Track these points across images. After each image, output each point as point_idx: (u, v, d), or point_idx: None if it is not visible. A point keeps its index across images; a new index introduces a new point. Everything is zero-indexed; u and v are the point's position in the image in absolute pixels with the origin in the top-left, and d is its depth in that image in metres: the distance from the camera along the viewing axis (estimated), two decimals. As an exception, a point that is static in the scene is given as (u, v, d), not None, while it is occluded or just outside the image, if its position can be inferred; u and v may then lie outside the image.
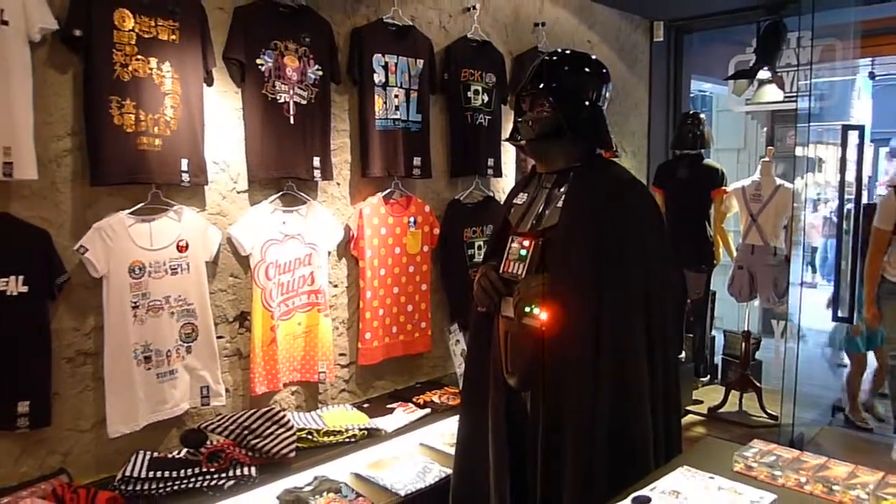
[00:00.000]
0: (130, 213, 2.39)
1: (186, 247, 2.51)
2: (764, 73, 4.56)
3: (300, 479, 2.63)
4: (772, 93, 4.69)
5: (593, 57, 2.22)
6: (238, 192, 2.74)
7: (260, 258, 2.73)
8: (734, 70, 5.18)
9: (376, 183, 3.16)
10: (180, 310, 2.50)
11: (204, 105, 2.53)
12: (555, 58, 2.16)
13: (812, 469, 1.72)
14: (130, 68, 2.31)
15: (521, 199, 2.23)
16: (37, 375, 2.19)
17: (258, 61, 2.67)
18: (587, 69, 2.16)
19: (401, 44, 3.16)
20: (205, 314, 2.56)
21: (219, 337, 2.67)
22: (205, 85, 2.55)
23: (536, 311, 2.00)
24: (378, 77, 3.06)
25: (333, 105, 2.97)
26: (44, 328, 2.21)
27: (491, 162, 3.61)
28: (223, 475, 2.33)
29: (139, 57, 2.33)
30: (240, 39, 2.64)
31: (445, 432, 3.21)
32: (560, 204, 2.05)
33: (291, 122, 2.76)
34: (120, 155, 2.31)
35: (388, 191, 3.18)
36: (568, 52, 2.23)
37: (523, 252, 2.09)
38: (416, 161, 3.22)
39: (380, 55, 3.07)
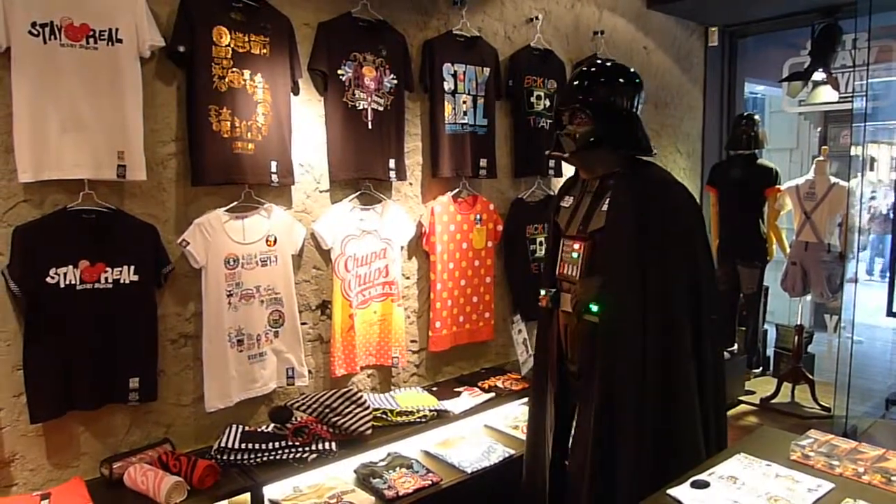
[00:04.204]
0: (226, 211, 2.45)
1: (275, 241, 2.56)
2: (819, 75, 4.36)
3: (375, 455, 2.65)
4: (826, 94, 4.48)
5: (629, 68, 2.18)
6: (321, 192, 2.78)
7: (340, 252, 2.77)
8: (788, 72, 4.96)
9: (445, 183, 3.16)
10: (269, 298, 2.56)
11: (291, 112, 2.58)
12: (591, 70, 2.14)
13: (870, 460, 1.65)
14: (227, 80, 2.37)
15: (567, 202, 2.25)
16: (146, 355, 2.27)
17: (339, 72, 2.70)
18: (620, 80, 2.12)
19: (469, 53, 3.15)
20: (290, 302, 2.61)
21: (303, 323, 2.72)
22: (292, 94, 2.59)
23: (595, 308, 2.05)
24: (448, 85, 3.06)
25: (407, 111, 2.98)
26: (152, 313, 2.29)
27: (552, 163, 3.56)
28: (307, 449, 2.38)
29: (234, 69, 2.39)
30: (323, 52, 2.68)
31: (508, 415, 3.20)
32: (605, 208, 2.07)
33: (369, 127, 2.79)
34: (217, 158, 2.37)
35: (457, 190, 3.17)
36: (604, 64, 2.20)
37: (575, 255, 2.14)
38: (483, 162, 3.21)
39: (449, 64, 3.06)
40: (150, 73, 2.29)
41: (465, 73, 3.12)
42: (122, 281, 2.19)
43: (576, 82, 2.13)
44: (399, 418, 2.72)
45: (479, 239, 3.25)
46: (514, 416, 3.21)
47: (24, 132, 2.00)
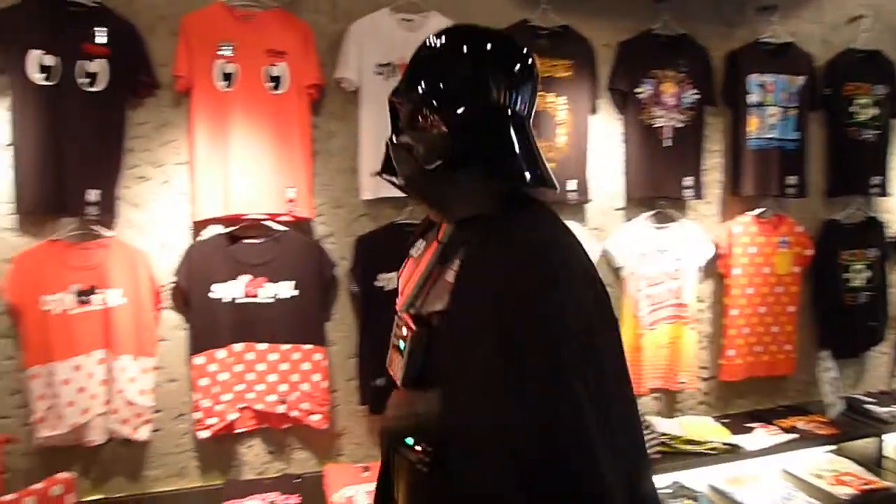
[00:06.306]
0: (525, 227, 2.60)
1: (568, 257, 2.64)
2: None
3: (658, 482, 2.59)
4: None
5: (510, 38, 1.22)
6: (615, 210, 2.80)
7: (631, 271, 2.76)
8: None
9: (746, 202, 2.96)
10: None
11: (588, 132, 2.65)
12: (444, 41, 1.21)
13: None
14: (532, 103, 2.53)
15: (418, 249, 1.39)
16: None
17: (637, 90, 2.70)
18: (494, 55, 1.18)
19: (778, 62, 2.92)
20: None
21: (590, 339, 2.76)
22: (590, 114, 2.66)
23: (411, 442, 1.19)
24: (753, 97, 2.86)
25: (707, 126, 2.86)
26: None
27: (877, 180, 3.12)
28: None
29: (540, 93, 2.52)
30: (622, 71, 2.71)
31: (811, 462, 2.89)
32: (451, 278, 1.18)
33: (666, 144, 2.74)
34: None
35: (760, 210, 2.95)
36: (465, 31, 1.23)
37: (401, 343, 1.25)
38: (791, 180, 2.93)
39: (756, 75, 2.87)
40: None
41: (774, 83, 2.89)
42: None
43: (418, 57, 1.24)
44: (685, 446, 2.61)
45: (784, 263, 2.98)
46: (818, 464, 2.88)
47: (368, 157, 2.35)
